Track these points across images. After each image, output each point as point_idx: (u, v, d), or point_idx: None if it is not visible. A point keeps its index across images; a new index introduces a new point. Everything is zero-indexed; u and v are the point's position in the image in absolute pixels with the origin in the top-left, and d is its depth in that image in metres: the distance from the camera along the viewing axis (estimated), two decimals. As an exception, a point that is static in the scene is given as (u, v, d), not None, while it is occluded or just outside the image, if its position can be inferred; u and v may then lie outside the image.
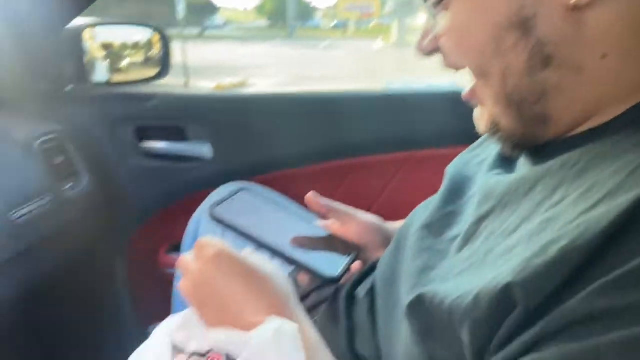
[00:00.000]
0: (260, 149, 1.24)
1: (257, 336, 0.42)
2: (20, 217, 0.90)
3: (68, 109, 1.21)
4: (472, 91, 0.49)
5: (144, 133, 1.25)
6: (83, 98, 1.25)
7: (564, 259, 0.32)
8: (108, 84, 1.36)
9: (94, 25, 1.31)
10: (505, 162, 0.55)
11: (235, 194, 0.70)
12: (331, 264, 0.65)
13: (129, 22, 1.54)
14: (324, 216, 0.72)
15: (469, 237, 0.47)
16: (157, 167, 1.25)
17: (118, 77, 1.57)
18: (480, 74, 0.45)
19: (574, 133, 0.43)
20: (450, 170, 0.64)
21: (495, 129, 0.48)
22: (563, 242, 0.33)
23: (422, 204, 0.67)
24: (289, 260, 0.62)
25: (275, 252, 0.62)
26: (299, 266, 0.63)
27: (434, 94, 1.26)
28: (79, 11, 1.11)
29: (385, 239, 0.73)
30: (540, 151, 0.46)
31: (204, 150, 1.24)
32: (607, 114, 0.41)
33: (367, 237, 0.72)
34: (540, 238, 0.35)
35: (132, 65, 1.57)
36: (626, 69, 0.40)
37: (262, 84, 9.95)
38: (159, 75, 1.37)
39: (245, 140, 1.25)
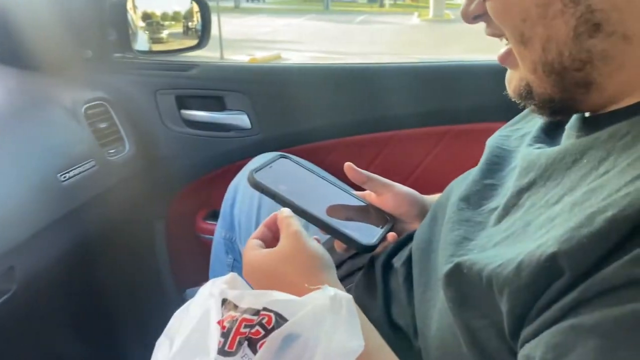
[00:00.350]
0: (297, 120, 1.25)
1: (313, 299, 0.42)
2: (67, 179, 0.94)
3: (112, 76, 1.25)
4: (507, 54, 0.48)
5: (184, 102, 1.27)
6: (126, 66, 1.28)
7: (611, 228, 0.32)
8: (150, 52, 1.39)
9: (137, -6, 1.33)
10: (548, 135, 0.54)
11: (274, 161, 0.70)
12: (367, 233, 0.65)
13: (169, -8, 1.55)
14: (361, 186, 0.73)
15: (509, 208, 0.47)
16: (196, 135, 1.27)
17: (158, 47, 1.60)
18: (521, 40, 0.43)
19: (621, 106, 0.43)
20: (490, 143, 0.63)
21: (526, 94, 0.47)
22: (610, 212, 0.32)
23: (460, 177, 0.67)
24: (326, 228, 0.63)
25: (312, 219, 0.62)
26: (335, 233, 0.63)
27: (473, 67, 1.24)
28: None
29: (422, 211, 0.73)
30: (586, 123, 0.46)
31: (242, 120, 1.26)
32: None
33: (403, 208, 0.72)
34: (584, 207, 0.35)
35: (171, 35, 1.60)
36: None
37: (295, 58, 9.91)
38: (199, 45, 1.38)
39: (282, 112, 1.26)
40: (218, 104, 1.26)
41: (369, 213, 0.70)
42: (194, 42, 1.40)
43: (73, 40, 1.19)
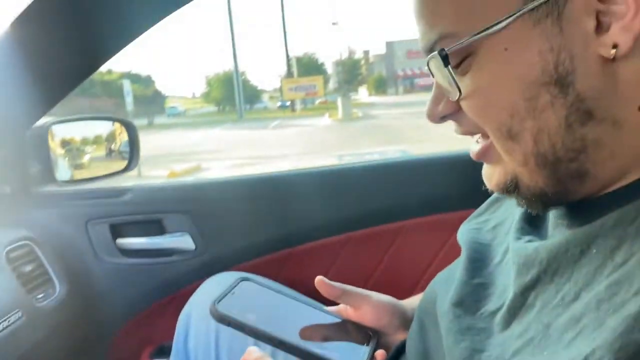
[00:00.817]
0: (244, 234, 1.19)
1: None
2: (-10, 338, 0.80)
3: (36, 211, 1.14)
4: (485, 149, 0.47)
5: (119, 230, 1.18)
6: (51, 199, 1.18)
7: None
8: (76, 181, 1.30)
9: (57, 123, 1.26)
10: (532, 226, 0.52)
11: (235, 286, 0.64)
12: (353, 354, 0.60)
13: (92, 117, 1.50)
14: (335, 300, 0.67)
15: (516, 310, 0.43)
16: (136, 264, 1.17)
17: (81, 173, 1.51)
18: (509, 135, 0.42)
19: (615, 187, 0.42)
20: (464, 238, 0.61)
21: (513, 188, 0.45)
22: None
23: (440, 276, 0.64)
24: (309, 356, 0.57)
25: (290, 348, 0.57)
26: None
27: (419, 161, 1.26)
28: (45, 110, 1.06)
29: (403, 320, 0.69)
30: (577, 211, 0.44)
31: (185, 241, 1.18)
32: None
33: (385, 320, 0.67)
34: (614, 304, 0.33)
35: (94, 160, 1.52)
36: None
37: (215, 167, 9.98)
38: (127, 167, 1.32)
39: (227, 227, 1.20)
40: (157, 228, 1.18)
41: (348, 330, 0.65)
42: (122, 164, 1.33)
43: (-12, 178, 1.09)
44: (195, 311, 0.95)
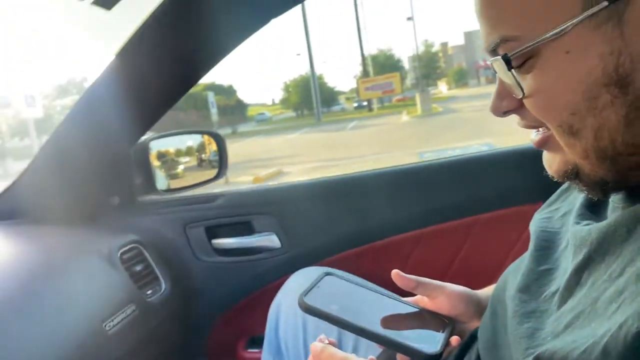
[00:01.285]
0: (325, 232, 1.27)
1: None
2: (112, 327, 0.93)
3: (141, 218, 1.29)
4: (545, 138, 0.48)
5: (214, 231, 1.30)
6: (154, 206, 1.32)
7: None
8: (174, 189, 1.44)
9: (155, 138, 1.40)
10: (592, 211, 0.54)
11: (320, 280, 0.69)
12: (429, 340, 0.63)
13: (184, 132, 1.63)
14: (412, 292, 0.71)
15: (571, 288, 0.46)
16: (229, 262, 1.28)
17: (177, 182, 1.66)
18: (570, 132, 0.44)
19: None
20: (534, 228, 0.63)
21: (574, 176, 0.47)
22: None
23: (512, 265, 0.66)
24: (386, 342, 0.61)
25: (370, 335, 0.61)
26: (396, 347, 0.61)
27: (487, 156, 1.28)
28: (146, 129, 1.20)
29: (478, 308, 0.71)
30: (632, 193, 0.46)
31: (272, 240, 1.28)
32: None
33: (460, 309, 0.70)
34: None
35: (187, 169, 1.66)
36: None
37: (295, 171, 10.19)
38: (218, 176, 1.44)
39: (309, 226, 1.28)
40: (246, 229, 1.29)
41: (425, 319, 0.68)
42: (212, 173, 1.45)
43: (101, 191, 1.25)
44: (284, 303, 1.03)
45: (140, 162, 1.30)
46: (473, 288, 0.75)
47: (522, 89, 0.45)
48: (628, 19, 0.39)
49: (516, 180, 1.18)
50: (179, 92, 1.14)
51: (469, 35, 54.98)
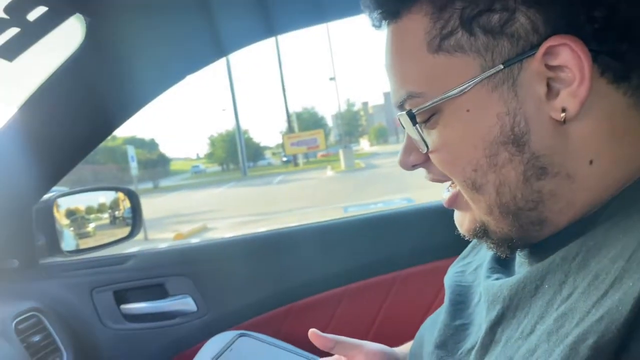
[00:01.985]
0: (245, 293, 1.22)
1: None
2: (-1, 409, 0.83)
3: (42, 282, 1.18)
4: (454, 197, 0.51)
5: (123, 296, 1.21)
6: (57, 269, 1.22)
7: (597, 356, 0.33)
8: (80, 250, 1.34)
9: (63, 196, 1.31)
10: (502, 264, 0.56)
11: (233, 342, 0.68)
12: None
13: (96, 188, 1.55)
14: (329, 352, 0.69)
15: (486, 346, 0.46)
16: (140, 329, 1.19)
17: (87, 242, 1.55)
18: (473, 187, 0.46)
19: (565, 226, 0.45)
20: (448, 282, 0.64)
21: (482, 233, 0.49)
22: (591, 340, 0.33)
23: (428, 321, 0.67)
24: None
25: None
26: None
27: (410, 212, 1.30)
28: (51, 185, 1.12)
29: None
30: (536, 248, 0.48)
31: (187, 303, 1.21)
32: (592, 205, 0.43)
33: None
34: (560, 335, 0.36)
35: (98, 228, 1.57)
36: (614, 169, 0.43)
37: (221, 226, 9.98)
38: (131, 234, 1.36)
39: (228, 287, 1.22)
40: (159, 292, 1.21)
41: None
42: (125, 231, 1.38)
43: (-1, 251, 1.14)
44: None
45: (44, 220, 1.20)
46: (397, 344, 0.74)
47: (426, 144, 0.48)
48: (521, 82, 0.42)
49: (433, 236, 1.20)
50: (89, 145, 1.08)
51: (388, 96, 57.89)
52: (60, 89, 0.93)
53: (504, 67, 0.42)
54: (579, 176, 0.43)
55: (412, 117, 0.46)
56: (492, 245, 0.49)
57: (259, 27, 1.01)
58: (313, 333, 0.67)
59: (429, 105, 0.45)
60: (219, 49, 1.02)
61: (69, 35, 0.85)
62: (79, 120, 1.03)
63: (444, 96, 0.44)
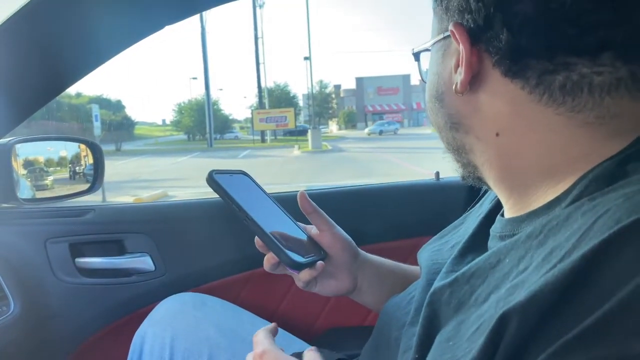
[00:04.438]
0: (205, 256, 1.20)
1: None
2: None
3: (-4, 228, 1.13)
4: None
5: (79, 249, 1.17)
6: (11, 216, 1.17)
7: (524, 317, 0.34)
8: (37, 199, 1.29)
9: (21, 142, 1.26)
10: (477, 243, 0.57)
11: (235, 173, 0.72)
12: (300, 254, 0.67)
13: (57, 137, 1.49)
14: (306, 216, 0.74)
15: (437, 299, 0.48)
16: (94, 284, 1.16)
17: (44, 194, 1.50)
18: (433, 125, 0.56)
19: (534, 208, 0.47)
20: (424, 261, 0.65)
21: (467, 173, 0.56)
22: (523, 297, 0.35)
23: (392, 300, 0.67)
24: (265, 238, 0.65)
25: (255, 227, 0.65)
26: (272, 245, 0.65)
27: (391, 187, 1.31)
28: (8, 129, 1.07)
29: (352, 258, 0.75)
30: (507, 225, 0.50)
31: (145, 262, 1.18)
32: (556, 189, 0.45)
33: (337, 249, 0.74)
34: (507, 302, 0.37)
35: (57, 182, 1.51)
36: (527, 155, 0.47)
37: (182, 195, 9.86)
38: (90, 189, 1.31)
39: (188, 249, 1.21)
40: (117, 248, 1.19)
41: (306, 243, 0.73)
42: (85, 186, 1.33)
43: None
44: (150, 332, 0.95)
45: (0, 167, 1.15)
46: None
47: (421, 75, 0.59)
48: (449, 52, 0.50)
49: (402, 215, 1.21)
50: (50, 92, 1.03)
51: (360, 81, 57.81)
52: (21, 28, 0.88)
53: (442, 38, 0.50)
54: (489, 143, 0.49)
55: (414, 55, 0.59)
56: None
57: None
58: (301, 194, 0.73)
59: (414, 51, 0.58)
60: (194, 3, 0.98)
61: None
62: (39, 65, 0.97)
63: (421, 47, 0.56)
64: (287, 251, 0.65)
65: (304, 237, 0.73)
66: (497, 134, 0.48)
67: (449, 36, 0.48)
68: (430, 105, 0.54)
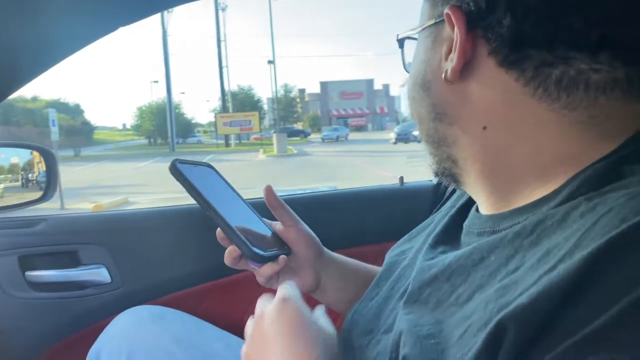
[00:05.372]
0: (163, 267, 1.16)
1: None
2: None
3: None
4: None
5: (30, 262, 1.11)
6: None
7: (526, 321, 0.33)
8: (-18, 211, 1.22)
9: (-32, 149, 1.19)
10: (448, 238, 0.56)
11: (199, 165, 0.70)
12: (262, 248, 0.65)
13: (6, 144, 1.42)
14: (271, 210, 0.73)
15: (410, 304, 0.47)
16: (46, 298, 1.11)
17: (-8, 204, 1.43)
18: (413, 115, 0.54)
19: (520, 205, 0.45)
20: (387, 259, 0.65)
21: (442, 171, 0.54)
22: (525, 300, 0.33)
23: (358, 305, 0.66)
24: (227, 229, 0.63)
25: (218, 217, 0.62)
26: (233, 236, 0.63)
27: (357, 193, 1.29)
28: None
29: (317, 256, 0.73)
30: (488, 222, 0.48)
31: (100, 274, 1.13)
32: (544, 188, 0.43)
33: (301, 246, 0.72)
34: (499, 304, 0.36)
35: (7, 190, 1.44)
36: (516, 152, 0.45)
37: (143, 201, 9.66)
38: (44, 197, 1.25)
39: (145, 260, 1.16)
40: (71, 260, 1.13)
41: (270, 238, 0.71)
42: (38, 194, 1.27)
43: None
44: (106, 348, 0.91)
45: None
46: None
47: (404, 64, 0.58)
48: (439, 40, 0.48)
49: (365, 221, 1.19)
50: (0, 93, 0.97)
51: (324, 85, 58.11)
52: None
53: (433, 24, 0.48)
54: (474, 137, 0.47)
55: (399, 41, 0.57)
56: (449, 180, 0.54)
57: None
58: (268, 187, 0.72)
59: (399, 37, 0.56)
60: (153, 3, 0.94)
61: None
62: None
63: (407, 34, 0.54)
64: (249, 244, 0.63)
65: (268, 233, 0.72)
66: (485, 127, 0.46)
67: (441, 22, 0.46)
68: (413, 94, 0.52)
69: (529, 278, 0.35)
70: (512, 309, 0.33)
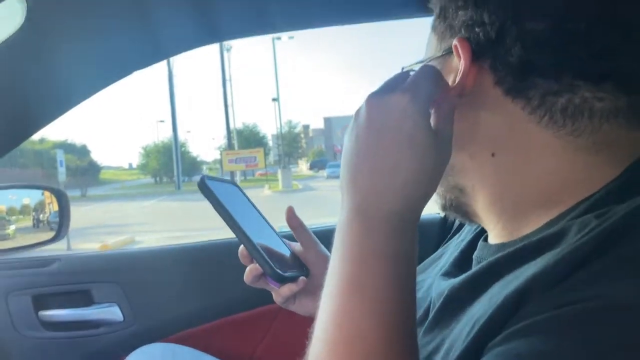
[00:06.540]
0: (176, 304, 1.16)
1: None
2: None
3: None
4: None
5: (43, 301, 1.12)
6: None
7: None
8: (-2, 251, 1.24)
9: (-18, 191, 1.22)
10: (459, 267, 0.57)
11: (227, 182, 0.72)
12: (283, 268, 0.66)
13: (20, 185, 1.45)
14: (291, 230, 0.74)
15: (435, 323, 0.48)
16: (59, 338, 1.11)
17: (5, 244, 1.44)
18: None
19: (524, 233, 0.46)
20: None
21: (449, 203, 0.54)
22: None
23: None
24: (251, 247, 0.63)
25: (242, 235, 0.63)
26: (256, 255, 0.63)
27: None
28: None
29: None
30: (490, 252, 0.50)
31: (113, 313, 1.14)
32: (549, 213, 0.44)
33: (320, 268, 0.70)
34: (470, 335, 0.39)
35: (20, 230, 1.46)
36: (523, 178, 0.46)
37: (149, 240, 9.64)
38: (56, 237, 1.27)
39: (157, 298, 1.17)
40: (84, 299, 1.14)
41: (290, 258, 0.72)
42: (50, 234, 1.29)
43: None
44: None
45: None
46: None
47: None
48: (446, 70, 0.49)
49: None
50: (17, 138, 1.00)
51: (328, 121, 58.71)
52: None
53: (441, 55, 0.49)
54: (483, 161, 0.47)
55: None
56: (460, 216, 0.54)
57: (202, 31, 0.98)
58: (289, 208, 0.73)
59: (405, 69, 0.53)
60: (163, 50, 0.98)
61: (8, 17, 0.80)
62: (10, 108, 0.95)
63: (414, 65, 0.53)
64: (271, 263, 0.63)
65: (287, 253, 0.72)
66: (493, 154, 0.47)
67: (449, 53, 0.47)
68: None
69: (527, 271, 0.38)
70: (523, 281, 0.37)
